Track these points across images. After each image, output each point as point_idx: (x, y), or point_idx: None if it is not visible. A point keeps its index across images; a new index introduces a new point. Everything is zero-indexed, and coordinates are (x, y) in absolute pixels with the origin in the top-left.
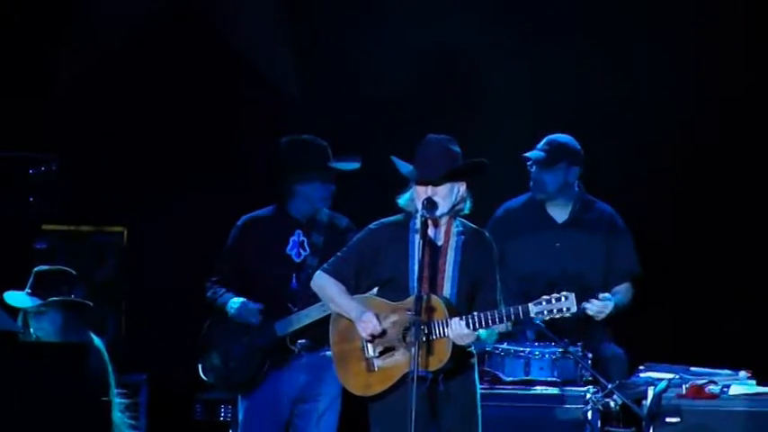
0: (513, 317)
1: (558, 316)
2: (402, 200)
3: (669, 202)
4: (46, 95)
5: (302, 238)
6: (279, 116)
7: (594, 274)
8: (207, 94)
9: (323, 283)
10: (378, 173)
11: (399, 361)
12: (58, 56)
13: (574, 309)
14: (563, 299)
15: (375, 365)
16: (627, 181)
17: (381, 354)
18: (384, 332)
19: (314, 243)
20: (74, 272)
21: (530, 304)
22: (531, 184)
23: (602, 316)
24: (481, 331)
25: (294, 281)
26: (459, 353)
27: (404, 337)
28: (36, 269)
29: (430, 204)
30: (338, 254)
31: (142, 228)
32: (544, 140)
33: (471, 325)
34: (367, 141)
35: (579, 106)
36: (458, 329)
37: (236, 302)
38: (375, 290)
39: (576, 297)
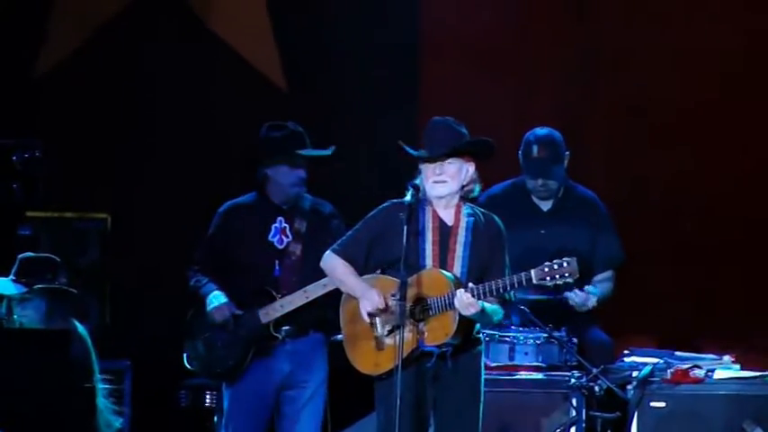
0: (516, 284)
1: (560, 282)
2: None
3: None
4: (29, 81)
5: (284, 224)
6: (266, 105)
7: (580, 262)
8: (192, 80)
9: (332, 263)
10: (359, 161)
11: (407, 338)
12: (40, 41)
13: (576, 274)
14: (565, 264)
15: (384, 344)
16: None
17: (390, 332)
18: (390, 309)
19: (297, 229)
20: (58, 259)
21: (532, 270)
22: (532, 187)
23: (585, 308)
24: (486, 305)
25: (277, 268)
26: (466, 331)
27: (412, 314)
28: (20, 256)
29: (415, 189)
30: (348, 233)
31: (126, 214)
32: (535, 144)
33: (476, 295)
34: (350, 130)
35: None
36: (463, 299)
37: (215, 298)
38: (378, 271)
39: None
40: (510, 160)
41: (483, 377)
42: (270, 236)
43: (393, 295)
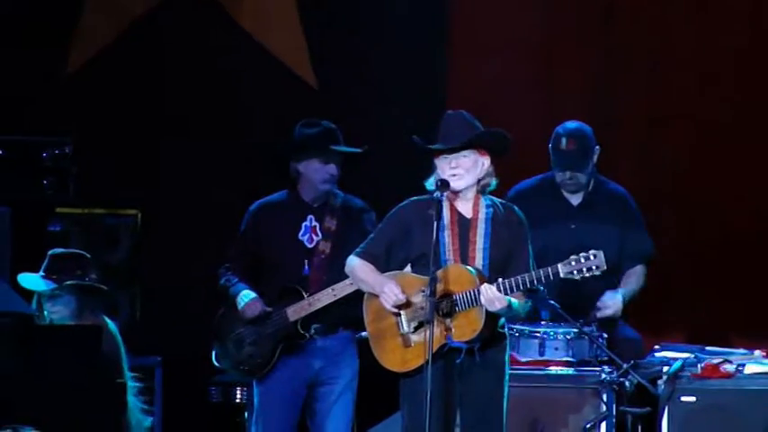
0: (543, 279)
1: (588, 275)
2: (428, 184)
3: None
4: (59, 77)
5: (314, 222)
6: (296, 102)
7: (610, 257)
8: (222, 77)
9: (353, 264)
10: (391, 159)
11: (434, 334)
12: (72, 37)
13: (603, 266)
14: (592, 257)
15: (411, 341)
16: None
17: (416, 328)
18: (415, 305)
19: (327, 227)
20: (88, 255)
21: (558, 264)
22: (560, 180)
23: (619, 313)
24: (512, 299)
25: (306, 266)
26: (493, 326)
27: (438, 310)
28: (50, 252)
29: (443, 185)
30: (370, 235)
31: (156, 211)
32: (564, 136)
33: (502, 290)
34: (379, 128)
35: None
36: (488, 294)
37: (246, 296)
38: (408, 267)
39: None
40: (539, 158)
41: (508, 372)
42: (300, 234)
43: (422, 291)
